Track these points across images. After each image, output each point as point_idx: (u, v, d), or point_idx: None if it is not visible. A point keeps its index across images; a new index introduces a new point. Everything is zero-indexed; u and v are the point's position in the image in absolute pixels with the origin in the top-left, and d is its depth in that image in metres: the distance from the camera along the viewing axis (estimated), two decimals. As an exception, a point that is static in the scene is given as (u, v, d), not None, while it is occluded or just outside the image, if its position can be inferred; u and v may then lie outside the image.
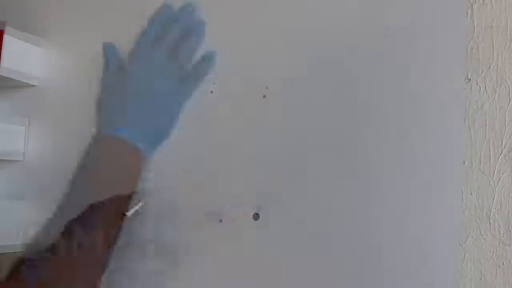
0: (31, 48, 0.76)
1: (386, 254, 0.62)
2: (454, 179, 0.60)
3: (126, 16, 0.74)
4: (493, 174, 0.61)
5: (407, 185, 0.61)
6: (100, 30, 0.76)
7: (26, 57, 0.76)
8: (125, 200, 0.63)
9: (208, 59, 0.68)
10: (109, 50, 0.70)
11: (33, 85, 0.77)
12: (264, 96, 0.68)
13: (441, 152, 0.61)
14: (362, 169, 0.63)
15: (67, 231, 0.58)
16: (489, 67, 0.61)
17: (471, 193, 0.61)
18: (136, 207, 0.61)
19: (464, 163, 0.62)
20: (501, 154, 0.61)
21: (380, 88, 0.64)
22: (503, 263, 0.60)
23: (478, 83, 0.61)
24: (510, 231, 0.60)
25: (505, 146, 0.61)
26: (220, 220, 0.68)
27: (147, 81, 0.66)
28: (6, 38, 0.71)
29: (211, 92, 0.70)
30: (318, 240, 0.64)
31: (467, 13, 0.62)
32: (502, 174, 0.61)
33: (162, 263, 0.70)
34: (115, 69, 0.69)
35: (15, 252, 0.64)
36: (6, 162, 0.78)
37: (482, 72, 0.62)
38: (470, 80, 0.62)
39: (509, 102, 0.61)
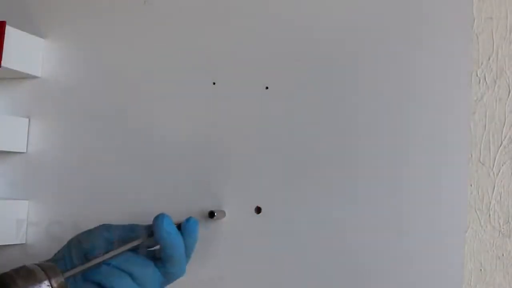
0: (34, 39, 0.77)
1: (388, 247, 0.62)
2: (460, 173, 0.61)
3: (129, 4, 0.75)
4: (493, 166, 0.61)
5: (411, 181, 0.62)
6: (102, 25, 0.77)
7: (29, 48, 0.76)
8: None
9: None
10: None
11: (36, 77, 0.78)
12: (266, 88, 0.68)
13: (446, 146, 0.61)
14: (365, 163, 0.64)
15: None
16: (489, 59, 0.61)
17: (471, 185, 0.61)
18: None
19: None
20: (501, 145, 0.61)
21: (382, 84, 0.64)
22: (502, 255, 0.60)
23: (478, 75, 0.62)
24: (509, 223, 0.60)
25: (504, 138, 0.61)
26: (223, 215, 0.68)
27: None
28: (8, 28, 0.72)
29: (214, 83, 0.71)
30: (321, 234, 0.64)
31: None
32: (502, 165, 0.61)
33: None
34: None
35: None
36: (9, 154, 0.78)
37: (481, 63, 0.62)
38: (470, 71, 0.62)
39: (509, 93, 0.61)
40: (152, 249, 0.61)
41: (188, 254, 0.60)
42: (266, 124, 0.68)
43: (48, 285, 0.49)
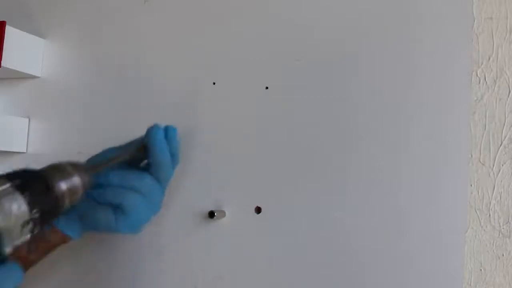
0: (34, 39, 0.77)
1: (388, 247, 0.62)
2: (460, 173, 0.61)
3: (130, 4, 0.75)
4: (493, 166, 0.61)
5: (411, 181, 0.62)
6: (102, 25, 0.77)
7: (29, 48, 0.76)
8: None
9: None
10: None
11: (36, 77, 0.78)
12: (266, 88, 0.68)
13: (446, 147, 0.61)
14: (365, 163, 0.64)
15: None
16: (489, 59, 0.61)
17: (471, 185, 0.61)
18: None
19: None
20: (500, 145, 0.61)
21: (382, 84, 0.64)
22: (502, 255, 0.60)
23: (478, 75, 0.62)
24: (509, 223, 0.60)
25: (504, 138, 0.61)
26: (223, 215, 0.68)
27: None
28: (8, 28, 0.72)
29: (214, 83, 0.71)
30: (321, 234, 0.64)
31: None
32: (502, 165, 0.61)
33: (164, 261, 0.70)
34: None
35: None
36: (9, 154, 0.78)
37: (481, 63, 0.62)
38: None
39: (509, 93, 0.61)
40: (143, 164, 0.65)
41: (175, 160, 0.66)
42: (266, 124, 0.68)
43: (80, 175, 0.56)
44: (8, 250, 0.48)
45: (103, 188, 0.63)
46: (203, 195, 0.69)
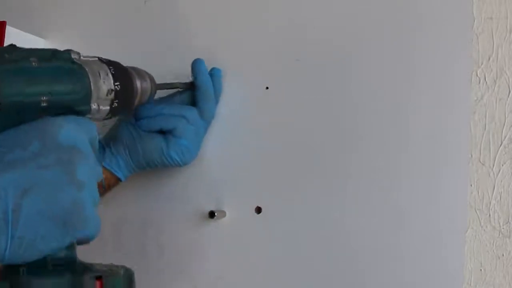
0: (34, 39, 0.77)
1: (388, 247, 0.62)
2: (460, 173, 0.61)
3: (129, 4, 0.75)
4: (493, 166, 0.61)
5: (411, 181, 0.62)
6: (103, 25, 0.77)
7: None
8: None
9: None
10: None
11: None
12: (266, 88, 0.68)
13: (446, 147, 0.61)
14: (365, 163, 0.64)
15: None
16: (489, 59, 0.61)
17: (471, 185, 0.61)
18: None
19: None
20: (501, 145, 0.61)
21: (382, 84, 0.64)
22: (502, 255, 0.60)
23: (478, 75, 0.62)
24: (509, 223, 0.60)
25: (504, 138, 0.61)
26: (223, 215, 0.68)
27: None
28: (8, 28, 0.72)
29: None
30: (321, 234, 0.64)
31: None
32: (502, 165, 0.61)
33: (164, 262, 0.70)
34: None
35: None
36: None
37: (481, 63, 0.62)
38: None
39: (509, 93, 0.61)
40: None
41: (216, 98, 0.69)
42: (266, 124, 0.68)
43: (150, 81, 0.62)
44: (94, 106, 0.51)
45: (153, 117, 0.66)
46: (203, 195, 0.69)
